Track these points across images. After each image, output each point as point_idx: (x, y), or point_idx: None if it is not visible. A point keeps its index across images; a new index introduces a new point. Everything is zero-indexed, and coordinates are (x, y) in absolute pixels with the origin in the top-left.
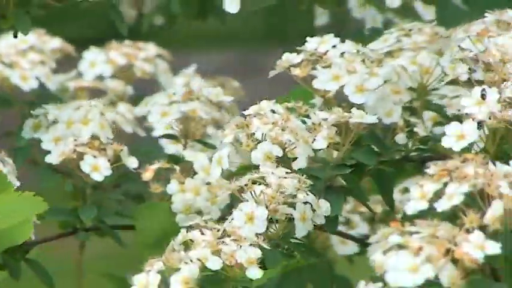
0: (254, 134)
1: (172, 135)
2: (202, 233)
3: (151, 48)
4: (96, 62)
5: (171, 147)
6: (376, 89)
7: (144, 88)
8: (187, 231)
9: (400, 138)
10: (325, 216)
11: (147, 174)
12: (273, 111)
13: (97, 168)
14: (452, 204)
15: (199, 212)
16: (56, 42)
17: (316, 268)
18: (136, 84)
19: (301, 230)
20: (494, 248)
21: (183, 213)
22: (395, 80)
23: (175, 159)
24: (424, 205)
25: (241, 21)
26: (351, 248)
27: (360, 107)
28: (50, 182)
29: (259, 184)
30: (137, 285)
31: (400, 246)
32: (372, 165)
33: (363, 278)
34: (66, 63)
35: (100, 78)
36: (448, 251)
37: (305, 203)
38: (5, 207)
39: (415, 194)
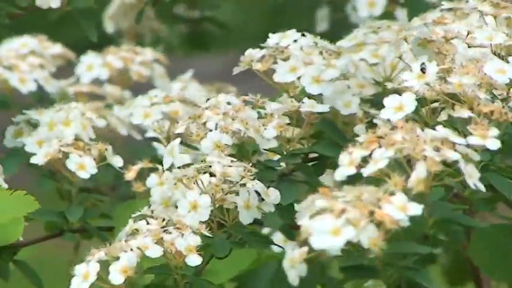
0: (205, 124)
1: (155, 138)
2: (148, 223)
3: (148, 53)
4: (93, 66)
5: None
6: (334, 80)
7: (142, 93)
8: (134, 222)
9: (359, 129)
10: (279, 205)
11: (130, 174)
12: (229, 103)
13: (83, 166)
14: (377, 168)
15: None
16: (56, 48)
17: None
18: (134, 88)
19: (245, 218)
20: (416, 209)
21: (162, 206)
22: (353, 72)
23: (158, 159)
24: (351, 171)
25: (240, 27)
26: None
27: (320, 98)
28: (47, 185)
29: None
30: (78, 274)
31: (325, 210)
32: (333, 156)
33: None
34: (67, 69)
35: (99, 82)
36: (371, 213)
37: (249, 190)
38: None
39: (343, 161)
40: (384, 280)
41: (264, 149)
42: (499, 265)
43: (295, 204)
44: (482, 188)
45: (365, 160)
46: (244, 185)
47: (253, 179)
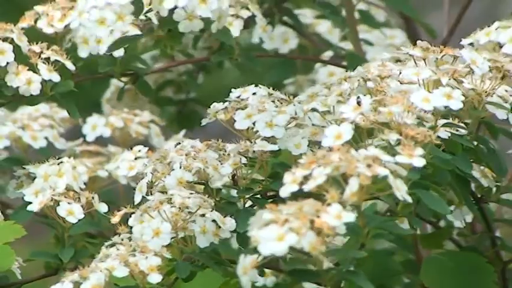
0: (169, 163)
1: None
2: (118, 249)
3: (145, 114)
4: (97, 125)
5: None
6: (286, 125)
7: None
8: (106, 248)
9: None
10: (235, 232)
11: (115, 219)
12: (193, 147)
13: (72, 212)
14: (316, 184)
15: None
16: (64, 112)
17: None
18: (134, 145)
19: (202, 241)
20: (349, 217)
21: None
22: (302, 117)
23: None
24: (294, 187)
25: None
26: None
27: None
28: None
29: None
30: None
31: (271, 222)
32: None
33: None
34: (73, 131)
35: (102, 140)
36: (311, 222)
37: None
38: None
39: (287, 179)
40: (327, 282)
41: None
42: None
43: None
44: (409, 199)
45: (306, 178)
46: (202, 215)
47: (211, 210)
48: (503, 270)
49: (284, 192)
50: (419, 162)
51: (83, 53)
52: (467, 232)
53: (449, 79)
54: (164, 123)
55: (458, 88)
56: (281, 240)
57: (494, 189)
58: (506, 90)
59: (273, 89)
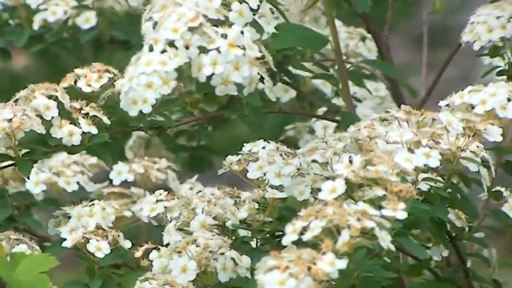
0: (193, 209)
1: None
2: (150, 283)
3: (163, 162)
4: (122, 171)
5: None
6: (292, 175)
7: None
8: (140, 282)
9: None
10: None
11: (138, 253)
12: (212, 194)
13: (100, 248)
14: (313, 235)
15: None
16: (93, 159)
17: None
18: (153, 188)
19: (223, 277)
20: (341, 264)
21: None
22: (306, 168)
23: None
24: (295, 237)
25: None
26: None
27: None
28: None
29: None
30: None
31: (275, 267)
32: None
33: None
34: (100, 174)
35: (126, 184)
36: (309, 268)
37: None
38: (28, 264)
39: (288, 230)
40: None
41: (234, 226)
42: None
43: None
44: (392, 247)
45: (305, 228)
46: (222, 253)
47: (230, 249)
48: None
49: (286, 241)
50: (402, 215)
51: (132, 112)
52: (443, 265)
53: (428, 140)
54: (178, 167)
55: (435, 148)
56: (282, 284)
57: (467, 229)
58: (477, 146)
59: (276, 139)
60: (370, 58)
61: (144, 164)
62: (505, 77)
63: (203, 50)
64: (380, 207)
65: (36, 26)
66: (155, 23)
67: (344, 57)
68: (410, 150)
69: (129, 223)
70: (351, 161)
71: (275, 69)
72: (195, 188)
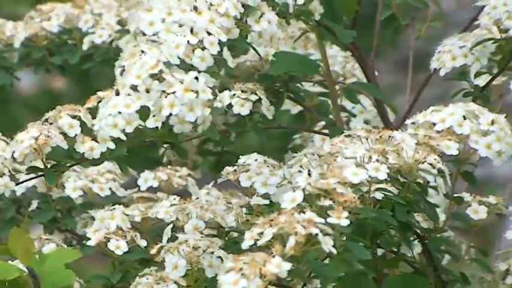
0: (188, 214)
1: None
2: (147, 279)
3: (183, 170)
4: (148, 179)
5: None
6: (278, 185)
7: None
8: (139, 278)
9: None
10: None
11: (153, 251)
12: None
13: (119, 247)
14: (266, 240)
15: None
16: None
17: None
18: (176, 193)
19: (209, 273)
20: (287, 266)
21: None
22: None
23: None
24: (252, 242)
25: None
26: None
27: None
28: None
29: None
30: None
31: (231, 269)
32: None
33: None
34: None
35: (153, 189)
36: (260, 270)
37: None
38: (55, 257)
39: (247, 236)
40: None
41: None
42: None
43: None
44: (334, 251)
45: (260, 235)
46: (212, 252)
47: (218, 249)
48: None
49: (245, 245)
50: (345, 222)
51: (102, 147)
52: (416, 260)
53: (379, 156)
54: (198, 175)
55: (384, 163)
56: (236, 284)
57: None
58: (435, 159)
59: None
60: (363, 79)
61: (167, 172)
62: (471, 97)
63: (164, 93)
64: (327, 216)
65: (85, 46)
66: (123, 70)
67: (341, 78)
68: (362, 165)
69: (154, 223)
70: (309, 174)
71: (281, 89)
72: (211, 193)
